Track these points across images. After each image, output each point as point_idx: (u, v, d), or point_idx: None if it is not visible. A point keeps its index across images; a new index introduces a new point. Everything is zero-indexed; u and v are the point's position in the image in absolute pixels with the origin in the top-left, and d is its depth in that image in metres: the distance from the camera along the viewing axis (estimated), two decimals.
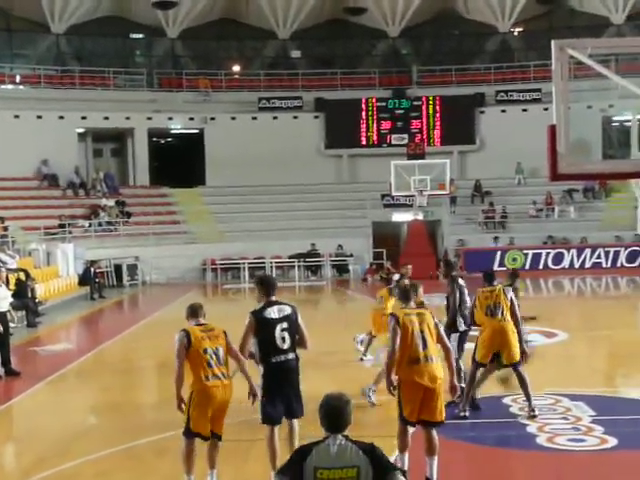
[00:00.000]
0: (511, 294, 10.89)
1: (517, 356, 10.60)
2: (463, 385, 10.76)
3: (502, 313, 10.70)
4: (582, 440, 9.44)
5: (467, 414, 10.64)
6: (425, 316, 8.17)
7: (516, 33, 42.24)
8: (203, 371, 7.70)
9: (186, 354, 7.73)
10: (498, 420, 10.84)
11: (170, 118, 39.07)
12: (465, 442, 9.83)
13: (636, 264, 32.37)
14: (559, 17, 41.16)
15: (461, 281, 11.63)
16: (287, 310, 8.12)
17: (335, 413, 4.68)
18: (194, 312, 8.11)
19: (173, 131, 40.80)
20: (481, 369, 10.86)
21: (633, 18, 39.57)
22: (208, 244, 34.54)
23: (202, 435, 7.77)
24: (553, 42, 7.77)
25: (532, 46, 39.03)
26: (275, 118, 39.34)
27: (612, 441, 9.35)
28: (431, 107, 39.50)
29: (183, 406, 7.72)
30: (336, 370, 13.93)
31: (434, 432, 8.01)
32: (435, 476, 7.97)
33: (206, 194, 38.26)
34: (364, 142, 39.73)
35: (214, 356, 7.77)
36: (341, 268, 35.38)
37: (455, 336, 11.13)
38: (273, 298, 8.18)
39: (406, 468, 7.84)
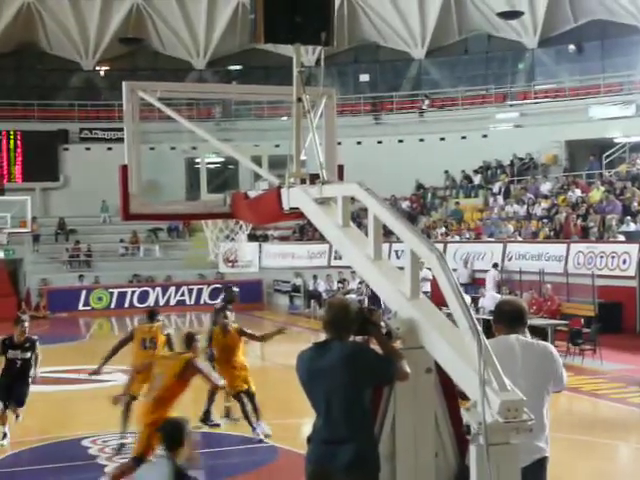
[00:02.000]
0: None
1: None
2: None
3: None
4: None
5: None
6: None
7: (102, 72, 42.14)
8: None
9: None
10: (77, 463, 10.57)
11: None
12: None
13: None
14: (143, 58, 41.85)
15: None
16: None
17: None
18: None
19: None
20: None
21: (213, 64, 41.38)
22: None
23: None
24: (124, 84, 7.79)
25: (117, 85, 39.01)
26: None
27: None
28: (12, 142, 37.97)
29: None
30: None
31: None
32: None
33: None
34: None
35: None
36: None
37: None
38: None
39: None
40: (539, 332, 16.84)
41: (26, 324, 12.00)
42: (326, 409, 5.26)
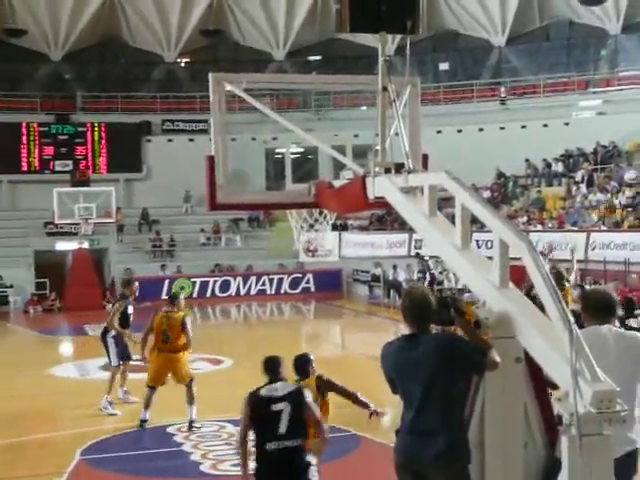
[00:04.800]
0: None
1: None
2: None
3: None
4: None
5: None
6: None
7: (183, 64, 42.74)
8: None
9: None
10: (162, 450, 10.74)
11: None
12: (125, 475, 9.60)
13: (298, 290, 33.80)
14: (224, 50, 42.25)
15: None
16: None
17: None
18: None
19: None
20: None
21: (293, 54, 41.57)
22: None
23: None
24: (210, 75, 7.88)
25: (198, 77, 39.61)
26: None
27: None
28: (96, 134, 38.73)
29: None
30: None
31: None
32: None
33: None
34: (25, 168, 38.07)
35: None
36: (0, 300, 33.46)
37: None
38: None
39: None
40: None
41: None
42: (419, 401, 5.25)
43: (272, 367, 7.11)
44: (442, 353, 5.20)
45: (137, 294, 14.12)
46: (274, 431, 6.66)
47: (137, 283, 14.39)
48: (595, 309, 5.81)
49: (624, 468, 5.24)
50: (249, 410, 6.84)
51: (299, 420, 6.76)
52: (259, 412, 6.79)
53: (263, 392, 6.92)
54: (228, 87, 7.86)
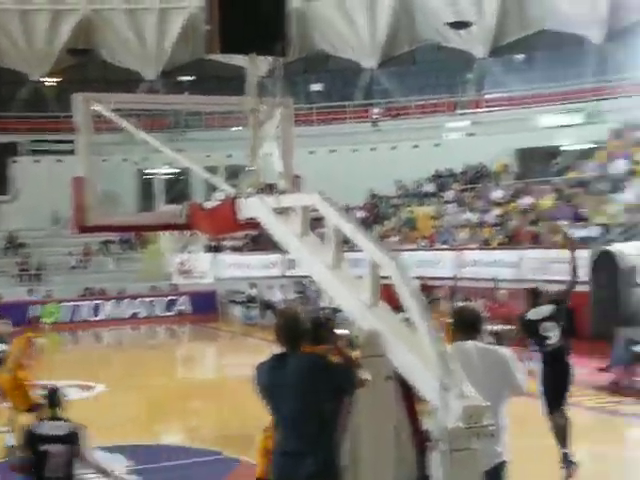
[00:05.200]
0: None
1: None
2: None
3: None
4: None
5: None
6: None
7: (50, 83, 41.73)
8: None
9: None
10: None
11: None
12: None
13: (172, 313, 33.36)
14: (93, 69, 41.55)
15: None
16: None
17: None
18: None
19: None
20: None
21: (165, 74, 41.24)
22: None
23: None
24: (74, 95, 7.73)
25: (65, 97, 38.77)
26: None
27: None
28: None
29: None
30: None
31: None
32: None
33: None
34: None
35: None
36: None
37: None
38: None
39: None
40: (497, 338, 16.99)
41: None
42: (287, 422, 5.27)
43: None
44: (310, 373, 5.21)
45: None
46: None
47: None
48: (461, 325, 5.96)
49: None
50: None
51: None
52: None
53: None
54: (96, 107, 7.72)
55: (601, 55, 35.54)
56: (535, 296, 10.51)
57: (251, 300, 31.82)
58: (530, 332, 10.46)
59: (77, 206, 7.68)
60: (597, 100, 33.50)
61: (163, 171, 8.66)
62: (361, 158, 36.44)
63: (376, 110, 38.76)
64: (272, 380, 5.34)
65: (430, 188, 35.42)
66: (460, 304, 11.32)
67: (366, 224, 33.10)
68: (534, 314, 10.45)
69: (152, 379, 18.55)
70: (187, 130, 38.36)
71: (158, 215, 8.36)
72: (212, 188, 8.04)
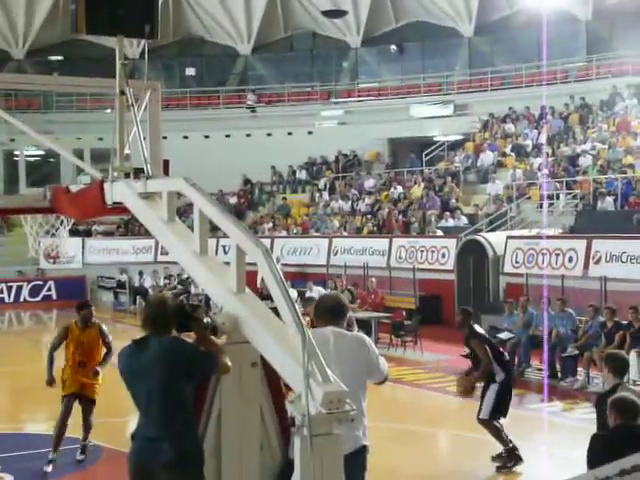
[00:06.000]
0: None
1: None
2: None
3: None
4: None
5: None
6: None
7: None
8: None
9: None
10: None
11: None
12: None
13: (38, 298, 32.45)
14: None
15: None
16: None
17: None
18: None
19: None
20: None
21: (33, 54, 39.95)
22: None
23: None
24: None
25: None
26: None
27: (9, 478, 9.25)
28: None
29: None
30: None
31: None
32: None
33: None
34: None
35: None
36: None
37: None
38: None
39: None
40: (364, 325, 17.28)
41: None
42: (146, 406, 5.27)
43: None
44: (167, 357, 5.21)
45: None
46: None
47: None
48: (323, 312, 6.06)
49: (353, 464, 5.45)
50: None
51: None
52: None
53: None
54: None
55: (471, 48, 36.49)
56: (469, 315, 10.81)
57: (121, 286, 31.31)
58: (491, 346, 10.69)
59: None
60: (466, 92, 34.42)
61: (30, 153, 8.38)
62: (236, 144, 36.31)
63: (250, 96, 38.64)
64: (131, 364, 5.33)
65: (303, 175, 35.63)
66: (324, 293, 11.45)
67: (240, 210, 33.08)
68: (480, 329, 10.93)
69: (17, 366, 18.04)
70: (57, 111, 37.32)
71: (22, 198, 8.12)
72: (82, 171, 7.86)
